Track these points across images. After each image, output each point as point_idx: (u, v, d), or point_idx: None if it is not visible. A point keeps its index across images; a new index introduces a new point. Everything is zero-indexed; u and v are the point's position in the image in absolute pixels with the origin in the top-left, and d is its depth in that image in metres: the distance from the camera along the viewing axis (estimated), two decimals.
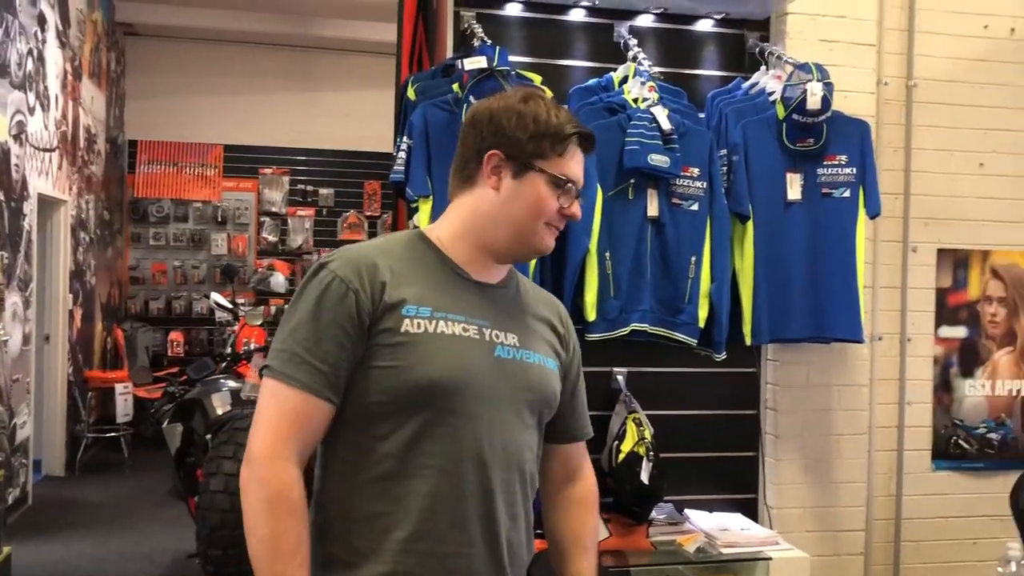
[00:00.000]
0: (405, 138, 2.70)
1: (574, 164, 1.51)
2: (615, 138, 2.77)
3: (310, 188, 9.53)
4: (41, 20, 6.19)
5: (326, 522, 1.44)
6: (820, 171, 2.90)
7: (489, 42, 2.75)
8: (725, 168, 2.91)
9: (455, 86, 2.71)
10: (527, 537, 1.53)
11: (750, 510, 3.15)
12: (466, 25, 2.92)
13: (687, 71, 3.15)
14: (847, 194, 2.91)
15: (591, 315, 2.78)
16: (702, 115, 3.02)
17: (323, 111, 9.28)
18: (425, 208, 2.67)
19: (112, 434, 7.40)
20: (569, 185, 1.50)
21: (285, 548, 1.34)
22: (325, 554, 1.42)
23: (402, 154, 2.69)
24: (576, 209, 1.53)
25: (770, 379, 3.16)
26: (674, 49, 3.14)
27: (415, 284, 1.45)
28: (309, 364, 1.38)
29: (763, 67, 3.06)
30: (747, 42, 3.15)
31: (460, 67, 2.66)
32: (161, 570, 4.79)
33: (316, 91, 9.24)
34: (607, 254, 2.78)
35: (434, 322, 1.43)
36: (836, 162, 2.90)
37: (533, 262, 2.71)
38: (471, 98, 2.63)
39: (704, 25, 3.15)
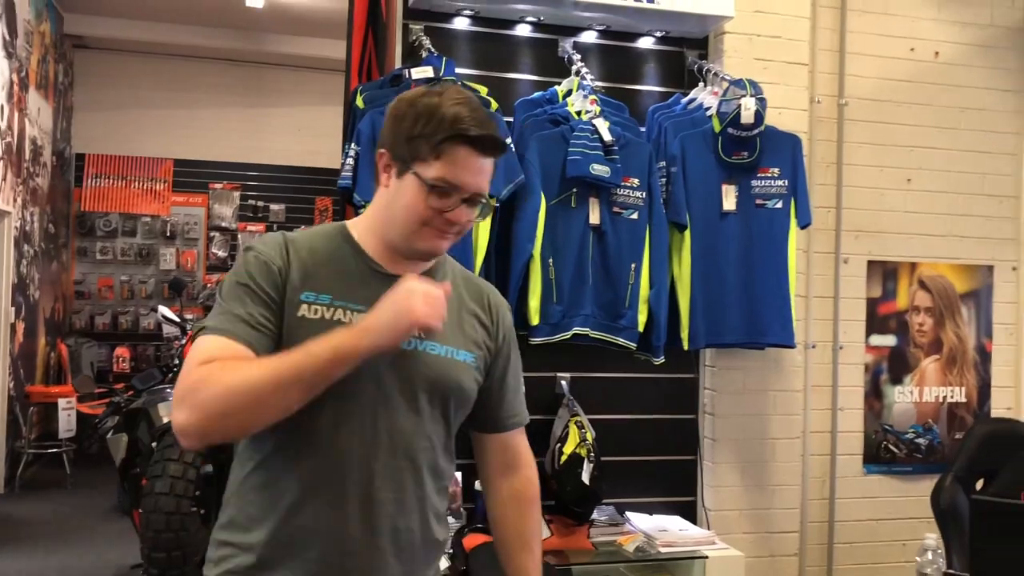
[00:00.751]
0: (353, 145, 2.75)
1: (457, 168, 1.45)
2: (558, 148, 2.86)
3: (261, 203, 9.49)
4: None
5: (232, 488, 1.51)
6: (754, 183, 3.03)
7: (436, 53, 2.82)
8: (664, 179, 3.02)
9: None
10: (423, 525, 1.52)
11: (689, 513, 3.24)
12: (414, 38, 3.00)
13: (629, 86, 3.27)
14: (779, 205, 3.03)
15: (535, 319, 2.86)
16: (643, 129, 3.12)
17: (275, 127, 9.28)
18: None
19: (54, 450, 7.25)
20: (443, 189, 1.45)
21: (254, 363, 1.37)
22: (228, 516, 1.50)
23: (350, 160, 2.75)
24: (460, 214, 1.48)
25: (708, 384, 3.26)
26: (617, 65, 3.25)
27: (324, 274, 1.49)
28: (244, 322, 1.42)
29: (701, 83, 3.18)
30: (686, 59, 3.27)
31: (408, 76, 2.73)
32: None
33: (268, 107, 9.24)
34: (550, 260, 2.86)
35: (332, 310, 1.46)
36: (769, 174, 3.03)
37: (478, 265, 2.78)
38: None
39: (646, 43, 3.27)
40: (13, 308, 6.94)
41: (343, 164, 2.80)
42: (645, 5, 3.03)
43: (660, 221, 2.95)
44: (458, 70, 2.96)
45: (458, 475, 3.01)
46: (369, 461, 1.45)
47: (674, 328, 3.01)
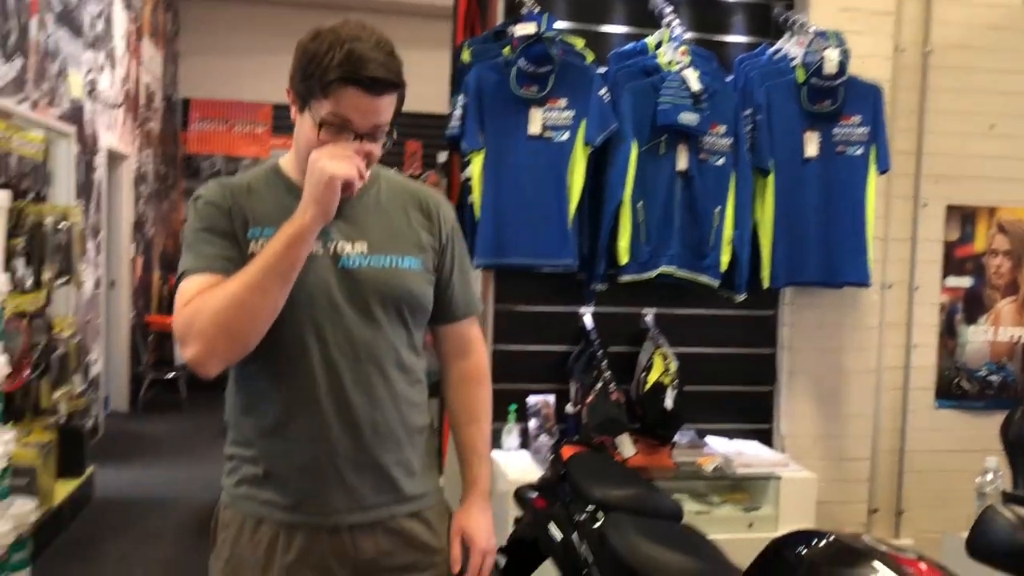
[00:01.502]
0: (461, 97, 3.01)
1: (344, 106, 1.49)
2: (649, 98, 3.06)
3: None
4: None
5: (228, 411, 1.65)
6: (835, 131, 3.18)
7: (537, 9, 3.03)
8: (750, 127, 3.20)
9: (505, 50, 3.01)
10: (399, 415, 1.62)
11: (765, 439, 3.48)
12: None
13: (717, 37, 3.43)
14: (859, 152, 3.19)
15: (624, 259, 3.10)
16: (730, 78, 3.29)
17: None
18: (477, 160, 3.00)
19: (170, 375, 7.88)
20: (329, 126, 1.50)
21: (228, 281, 1.48)
22: (231, 436, 1.65)
23: (458, 111, 3.01)
24: (355, 150, 1.52)
25: (787, 320, 3.47)
26: (706, 17, 3.41)
27: (264, 209, 1.58)
28: (214, 257, 1.53)
29: (787, 34, 3.32)
30: (773, 11, 3.41)
31: (510, 33, 2.96)
32: (213, 494, 5.25)
33: None
34: (640, 204, 3.09)
35: None
36: (850, 123, 3.18)
37: (573, 208, 3.03)
38: (520, 61, 2.94)
39: None
40: (133, 244, 7.51)
41: (451, 115, 3.07)
42: None
43: (745, 167, 3.14)
44: (556, 24, 3.17)
45: (551, 399, 3.31)
46: (337, 370, 1.56)
47: (755, 268, 3.22)
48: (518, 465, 3.11)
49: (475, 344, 1.83)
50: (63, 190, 5.27)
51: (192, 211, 1.59)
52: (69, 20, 5.53)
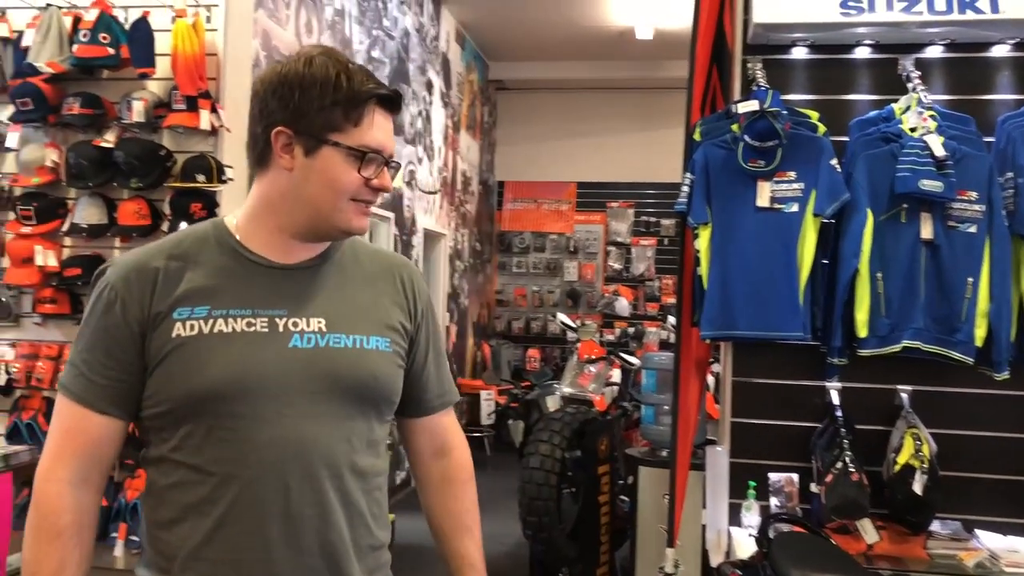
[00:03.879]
0: (688, 174, 3.14)
1: (377, 131, 1.35)
2: (887, 166, 2.95)
3: (653, 219, 10.16)
4: (429, 86, 7.51)
5: (147, 528, 1.40)
6: None
7: (764, 87, 3.08)
8: (1012, 191, 2.95)
9: (733, 126, 3.09)
10: (355, 533, 1.39)
11: None
12: (751, 71, 3.28)
13: (978, 97, 3.21)
14: None
15: (862, 332, 2.98)
16: (990, 139, 3.06)
17: (667, 146, 9.85)
18: (704, 234, 3.08)
19: (477, 434, 8.56)
20: (371, 156, 1.35)
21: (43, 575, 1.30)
22: (147, 558, 1.40)
23: (685, 188, 3.13)
24: (386, 180, 1.38)
25: None
26: (963, 77, 3.21)
27: (195, 281, 1.35)
28: (85, 377, 1.34)
29: None
30: None
31: (734, 110, 3.04)
32: (505, 548, 5.63)
33: (660, 128, 9.85)
34: (879, 275, 2.96)
35: (211, 321, 1.33)
36: None
37: (803, 280, 2.99)
38: (746, 137, 3.01)
39: (998, 51, 3.19)
40: (448, 313, 8.35)
41: (680, 190, 3.19)
42: (991, 16, 2.99)
43: (1002, 234, 2.89)
44: (792, 96, 3.19)
45: (795, 477, 3.22)
46: (283, 477, 1.32)
47: (1022, 343, 2.92)
48: (753, 547, 3.06)
49: (454, 437, 1.61)
50: None
51: (94, 293, 1.38)
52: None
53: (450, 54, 8.17)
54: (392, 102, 1.38)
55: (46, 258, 3.82)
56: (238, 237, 1.41)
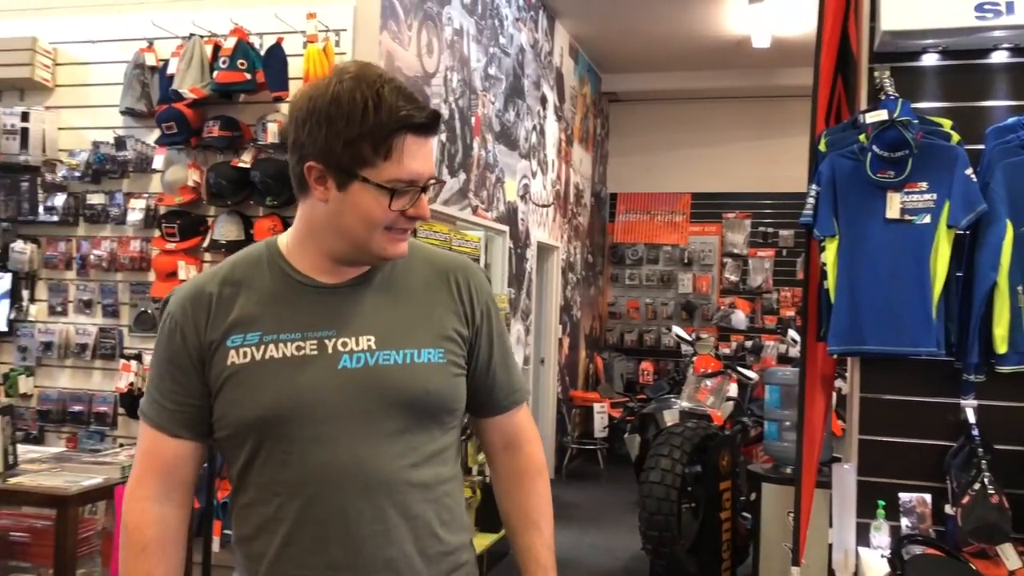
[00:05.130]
0: (814, 186, 3.07)
1: (409, 160, 1.31)
2: None
3: (771, 230, 9.94)
4: (543, 100, 7.59)
5: (234, 540, 1.46)
6: None
7: (894, 96, 2.99)
8: None
9: (861, 137, 3.01)
10: (421, 544, 1.39)
11: None
12: (878, 80, 3.20)
13: None
14: None
15: (1002, 348, 2.85)
16: None
17: (785, 155, 9.63)
18: (831, 247, 3.01)
19: (591, 447, 8.56)
20: (403, 188, 1.32)
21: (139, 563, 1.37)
22: (240, 565, 1.46)
23: (811, 199, 3.07)
24: (422, 208, 1.36)
25: None
26: None
27: (247, 307, 1.39)
28: (158, 403, 1.41)
29: None
30: None
31: (862, 120, 2.96)
32: (621, 562, 5.59)
33: (777, 137, 9.65)
34: (1020, 288, 2.84)
35: (262, 348, 1.36)
36: None
37: (937, 294, 2.88)
38: (874, 147, 2.93)
39: None
40: (560, 325, 8.40)
41: (805, 202, 3.13)
42: None
43: None
44: (923, 104, 3.08)
45: (927, 497, 3.10)
46: (339, 497, 1.34)
47: None
48: (885, 568, 2.96)
49: (526, 433, 1.59)
50: (497, 280, 6.19)
51: (160, 325, 1.44)
52: (506, 137, 6.55)
53: (563, 68, 8.24)
54: (425, 127, 1.33)
55: (188, 272, 4.07)
56: (288, 259, 1.43)
